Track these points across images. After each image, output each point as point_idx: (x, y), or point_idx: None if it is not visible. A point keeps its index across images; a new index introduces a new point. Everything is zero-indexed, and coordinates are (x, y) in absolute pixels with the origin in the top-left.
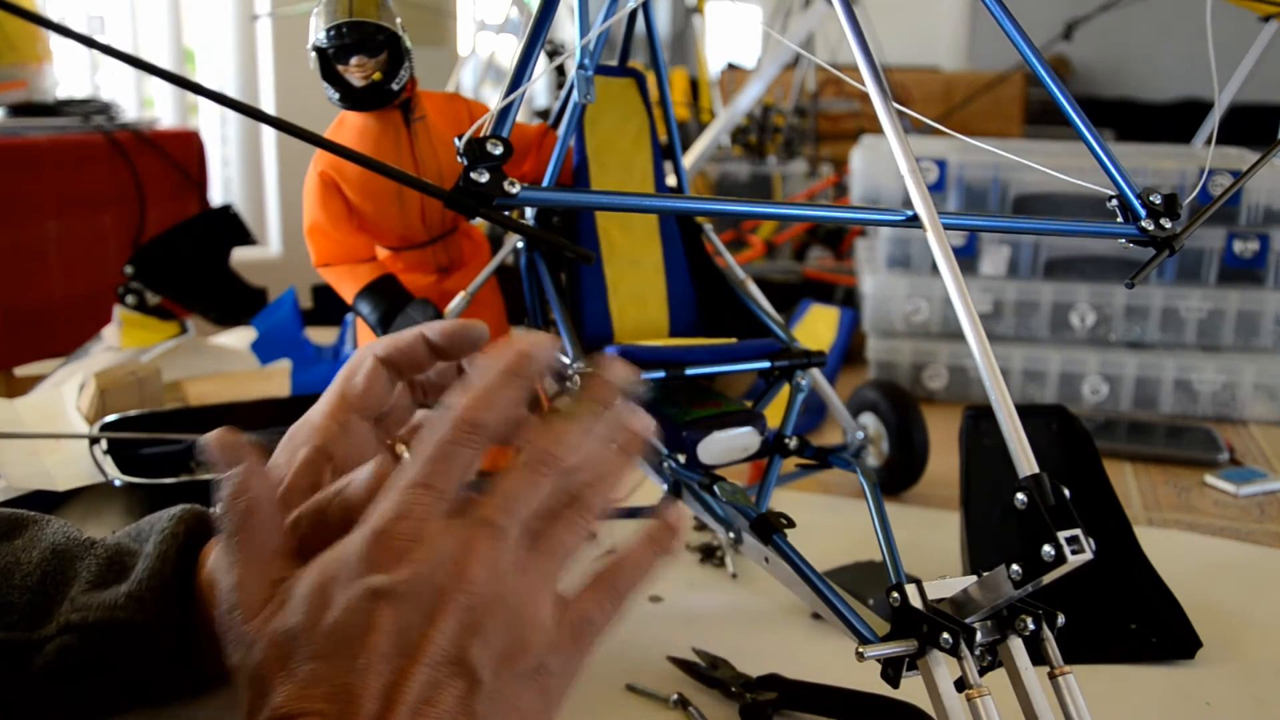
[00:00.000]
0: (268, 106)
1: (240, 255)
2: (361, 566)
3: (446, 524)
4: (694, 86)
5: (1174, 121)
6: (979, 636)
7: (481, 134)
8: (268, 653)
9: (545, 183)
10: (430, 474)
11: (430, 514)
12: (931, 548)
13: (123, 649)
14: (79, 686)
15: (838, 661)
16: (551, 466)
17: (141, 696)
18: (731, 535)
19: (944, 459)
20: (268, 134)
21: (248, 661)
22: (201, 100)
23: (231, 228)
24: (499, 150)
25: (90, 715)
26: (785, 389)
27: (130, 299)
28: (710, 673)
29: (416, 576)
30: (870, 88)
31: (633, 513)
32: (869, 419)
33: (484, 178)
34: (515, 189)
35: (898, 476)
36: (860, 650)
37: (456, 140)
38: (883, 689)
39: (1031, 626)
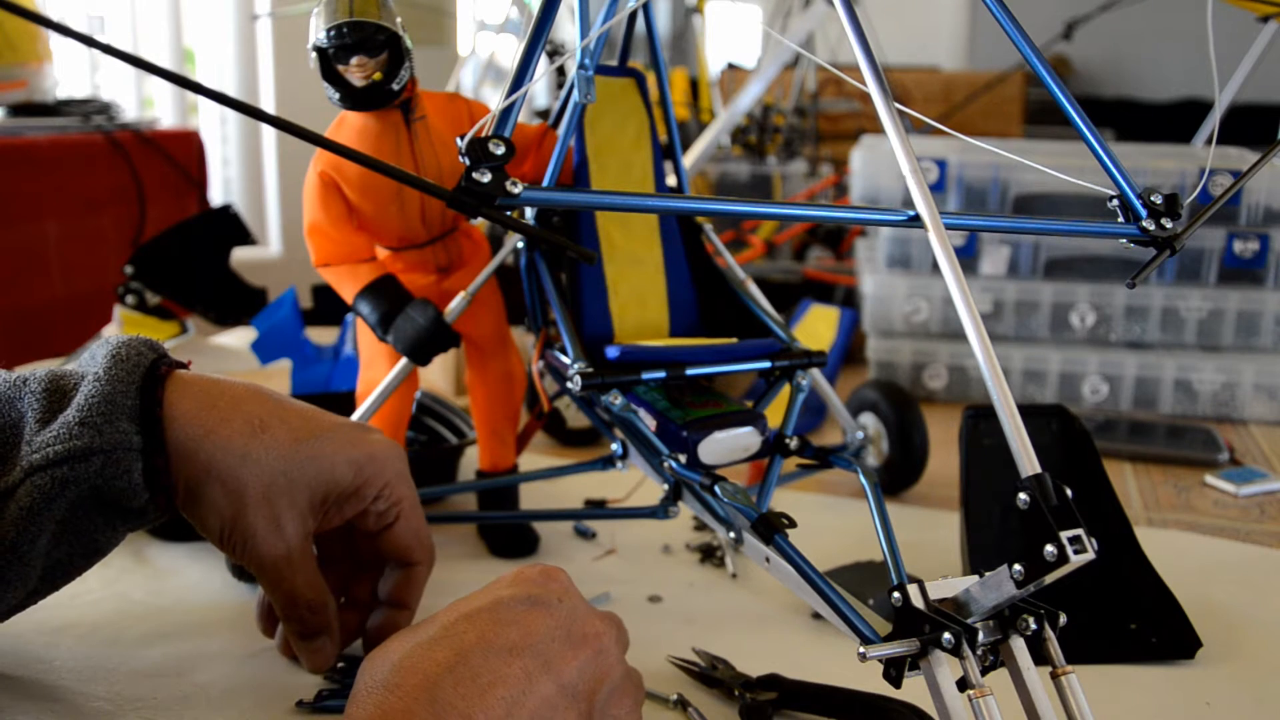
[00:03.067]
0: (268, 106)
1: (240, 255)
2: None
3: None
4: (694, 86)
5: (1174, 121)
6: (981, 636)
7: (483, 134)
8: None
9: (545, 182)
10: None
11: None
12: (931, 548)
13: (90, 476)
14: (60, 524)
15: (838, 661)
16: None
17: (124, 520)
18: (732, 535)
19: (944, 459)
20: (268, 134)
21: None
22: (201, 100)
23: (231, 228)
24: (501, 150)
25: (79, 551)
26: (786, 389)
27: (130, 299)
28: (710, 673)
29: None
30: (872, 88)
31: (632, 513)
32: (869, 419)
33: (486, 178)
34: (518, 189)
35: (897, 476)
36: (863, 651)
37: (459, 140)
38: (882, 689)
39: (1033, 626)
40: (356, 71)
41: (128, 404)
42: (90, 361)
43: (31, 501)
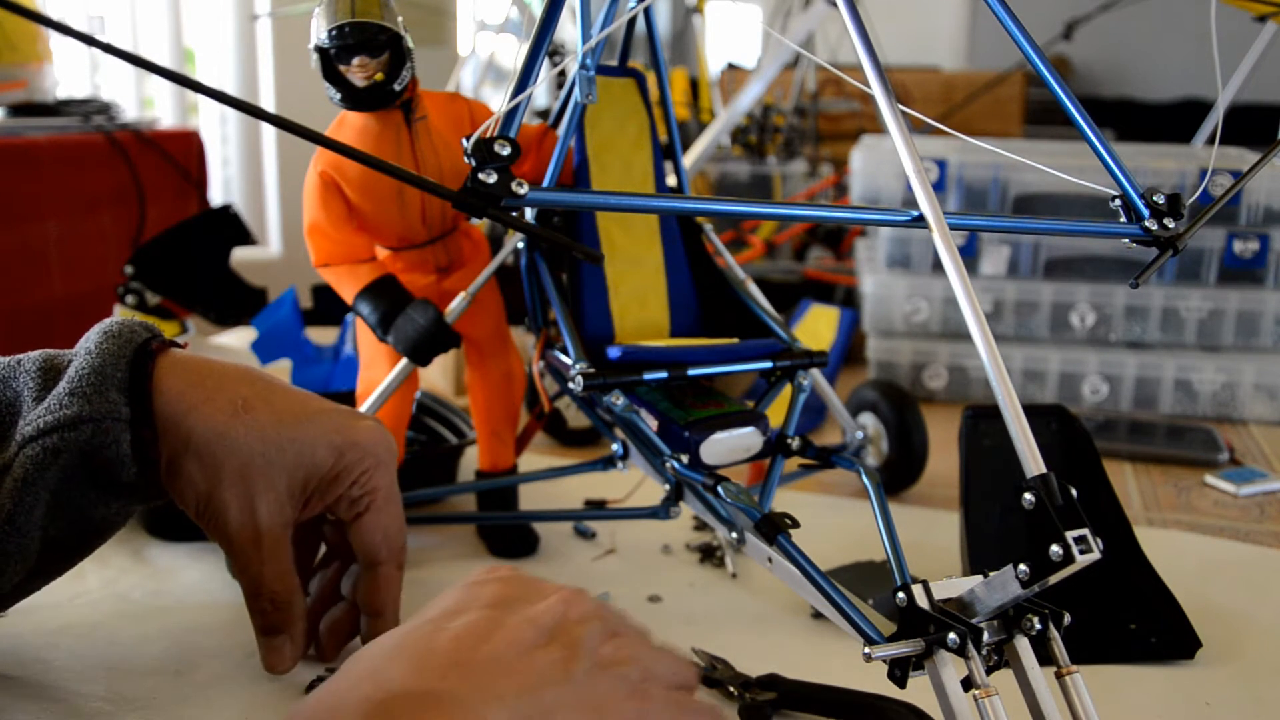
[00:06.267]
0: (267, 106)
1: (240, 255)
2: None
3: None
4: (694, 86)
5: (1174, 121)
6: (986, 636)
7: (488, 135)
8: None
9: (545, 183)
10: None
11: None
12: (931, 548)
13: (79, 444)
14: (54, 494)
15: (838, 661)
16: None
17: (115, 496)
18: (734, 535)
19: (944, 459)
20: (268, 134)
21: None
22: (202, 100)
23: (231, 228)
24: (507, 151)
25: (76, 528)
26: (787, 389)
27: (130, 299)
28: (710, 673)
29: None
30: (875, 88)
31: (633, 514)
32: (868, 419)
33: (492, 178)
34: (523, 190)
35: (897, 476)
36: (868, 651)
37: (465, 141)
38: (881, 688)
39: (1038, 626)
40: (358, 72)
41: (117, 376)
42: (84, 341)
43: (24, 472)
